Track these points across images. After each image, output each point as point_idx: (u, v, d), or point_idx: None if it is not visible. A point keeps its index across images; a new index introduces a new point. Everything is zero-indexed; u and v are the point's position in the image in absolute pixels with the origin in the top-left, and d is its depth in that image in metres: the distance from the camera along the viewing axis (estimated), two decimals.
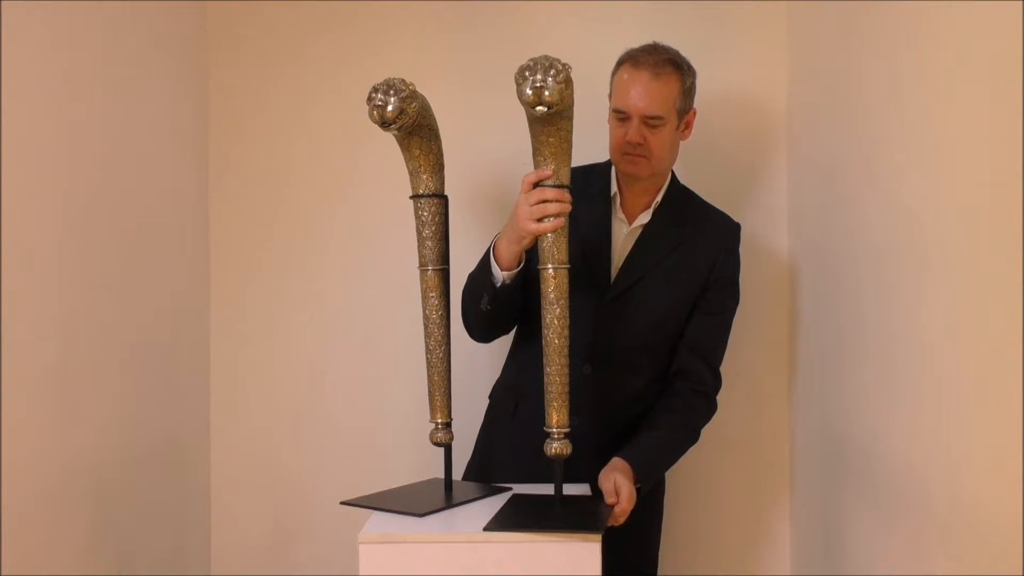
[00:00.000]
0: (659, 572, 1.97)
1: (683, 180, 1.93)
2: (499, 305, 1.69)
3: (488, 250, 1.70)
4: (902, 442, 1.47)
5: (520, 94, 1.45)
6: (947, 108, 1.31)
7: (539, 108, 1.45)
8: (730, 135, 2.24)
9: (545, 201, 1.53)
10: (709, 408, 1.87)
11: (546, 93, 1.43)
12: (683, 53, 1.82)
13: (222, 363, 2.33)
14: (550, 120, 1.50)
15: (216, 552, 2.34)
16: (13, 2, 1.55)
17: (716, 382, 1.88)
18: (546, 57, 1.46)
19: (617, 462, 1.69)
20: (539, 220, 1.53)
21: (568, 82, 1.46)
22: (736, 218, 1.93)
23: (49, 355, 1.67)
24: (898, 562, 1.48)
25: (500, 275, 1.66)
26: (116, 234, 1.89)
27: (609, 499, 1.59)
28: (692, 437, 1.85)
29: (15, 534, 1.56)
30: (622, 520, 1.60)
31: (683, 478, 2.18)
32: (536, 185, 1.55)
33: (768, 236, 2.22)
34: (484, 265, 1.70)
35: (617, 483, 1.61)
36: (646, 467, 1.72)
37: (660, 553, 1.98)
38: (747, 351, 2.23)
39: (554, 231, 1.54)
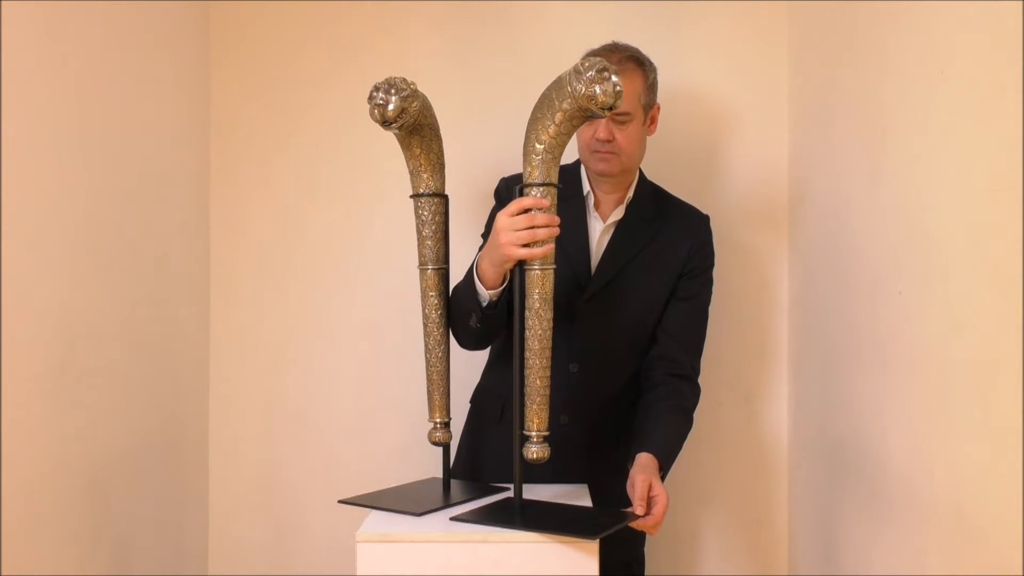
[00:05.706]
0: (657, 572, 1.97)
1: (679, 180, 1.93)
2: (488, 322, 1.67)
3: (472, 269, 1.65)
4: (900, 443, 1.47)
5: (589, 93, 1.41)
6: (948, 108, 1.31)
7: (605, 111, 1.43)
8: (730, 135, 2.24)
9: (534, 227, 1.48)
10: (693, 390, 1.84)
11: (619, 100, 1.42)
12: (684, 53, 1.82)
13: (221, 362, 2.34)
14: (582, 121, 1.49)
15: (214, 550, 2.34)
16: (13, 2, 1.55)
17: (696, 365, 1.86)
18: (600, 59, 1.43)
19: (647, 461, 1.62)
20: (526, 245, 1.49)
21: None
22: (736, 218, 1.93)
23: (49, 354, 1.67)
24: (896, 562, 1.48)
25: (486, 295, 1.62)
26: (116, 232, 1.90)
27: (638, 508, 1.52)
28: (687, 420, 1.81)
29: (14, 533, 1.56)
30: (655, 532, 1.55)
31: (682, 478, 2.18)
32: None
33: (768, 236, 2.22)
34: (469, 284, 1.66)
35: (653, 489, 1.54)
36: (667, 455, 1.69)
37: (659, 554, 1.98)
38: (746, 352, 2.23)
39: (542, 257, 1.49)
